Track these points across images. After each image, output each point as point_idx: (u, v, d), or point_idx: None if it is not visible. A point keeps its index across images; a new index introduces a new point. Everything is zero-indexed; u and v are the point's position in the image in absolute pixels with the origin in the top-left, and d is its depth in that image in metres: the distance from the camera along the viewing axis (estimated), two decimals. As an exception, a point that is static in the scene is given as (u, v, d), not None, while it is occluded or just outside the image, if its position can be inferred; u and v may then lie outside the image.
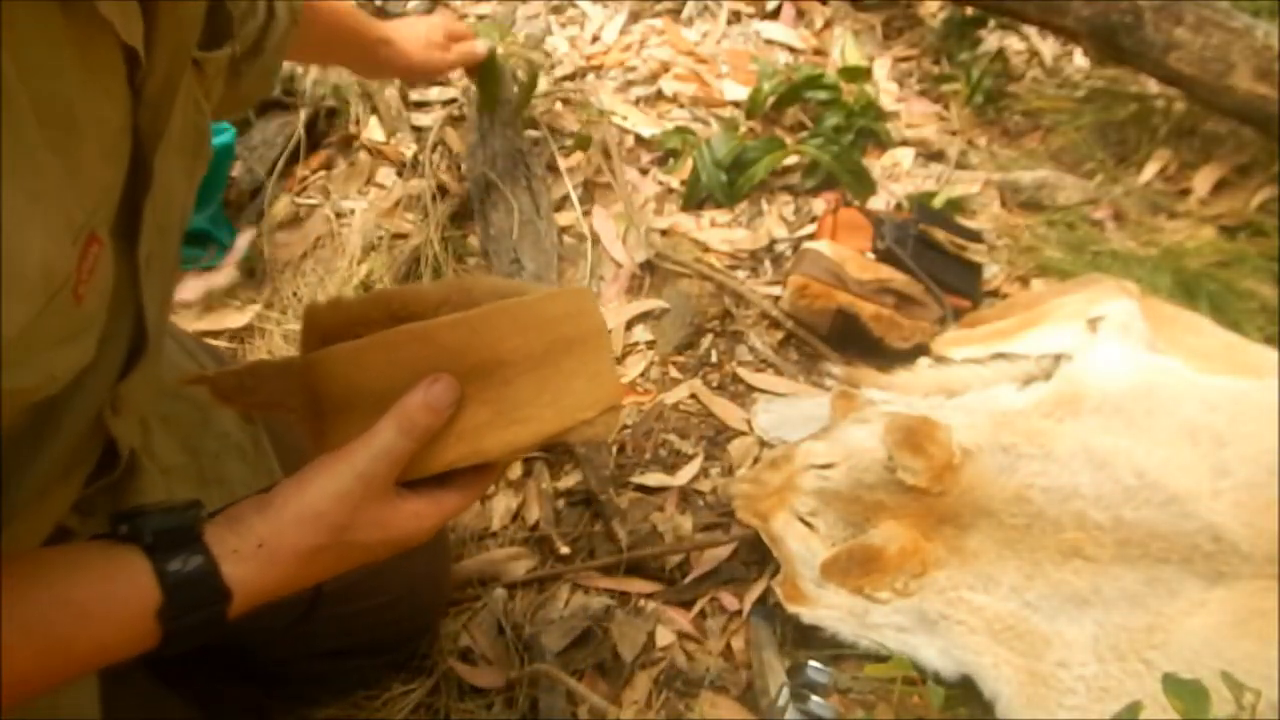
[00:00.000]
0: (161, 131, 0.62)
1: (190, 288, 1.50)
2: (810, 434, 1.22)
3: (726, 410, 1.36)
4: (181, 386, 0.72)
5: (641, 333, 1.45)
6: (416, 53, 1.32)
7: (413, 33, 1.33)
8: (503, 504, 1.29)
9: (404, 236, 1.54)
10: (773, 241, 1.55)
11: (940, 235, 1.44)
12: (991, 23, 1.83)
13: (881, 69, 1.82)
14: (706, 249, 1.54)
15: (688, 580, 1.22)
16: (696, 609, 1.20)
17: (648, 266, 1.51)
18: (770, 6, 1.91)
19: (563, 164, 1.62)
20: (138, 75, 0.59)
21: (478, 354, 0.63)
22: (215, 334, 1.47)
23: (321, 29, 1.13)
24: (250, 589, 0.61)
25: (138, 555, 0.58)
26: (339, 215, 1.61)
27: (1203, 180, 1.61)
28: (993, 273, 1.50)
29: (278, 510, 0.62)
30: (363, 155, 1.68)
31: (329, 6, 1.16)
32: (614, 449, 1.32)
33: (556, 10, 1.91)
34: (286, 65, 1.72)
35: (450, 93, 1.73)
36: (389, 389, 0.62)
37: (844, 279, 1.37)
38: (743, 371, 1.40)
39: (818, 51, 1.85)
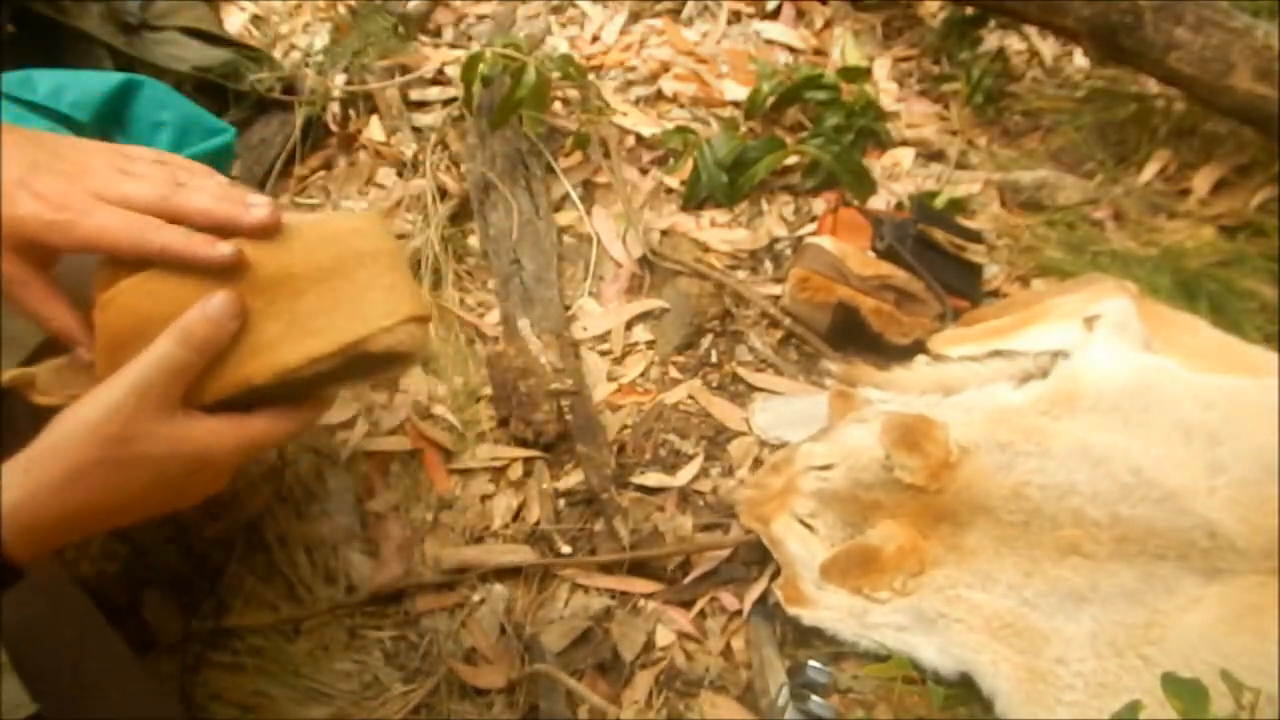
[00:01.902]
0: None
1: None
2: (810, 435, 1.22)
3: (726, 410, 1.36)
4: (4, 386, 0.68)
5: (641, 333, 1.45)
6: None
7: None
8: (503, 503, 1.29)
9: (404, 237, 1.54)
10: (773, 241, 1.55)
11: (940, 235, 1.44)
12: (991, 23, 1.83)
13: (881, 69, 1.82)
14: (706, 249, 1.54)
15: (688, 580, 1.22)
16: (696, 609, 1.20)
17: (647, 266, 1.51)
18: (770, 6, 1.91)
19: (562, 164, 1.62)
20: None
21: (264, 269, 0.64)
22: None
23: None
24: (27, 515, 0.58)
25: None
26: (339, 215, 1.61)
27: (1203, 180, 1.61)
28: (993, 273, 1.50)
29: (49, 431, 0.61)
30: (363, 155, 1.68)
31: None
32: (614, 449, 1.32)
33: (556, 10, 1.91)
34: (288, 64, 1.73)
35: (450, 92, 1.73)
36: (177, 314, 0.62)
37: (845, 273, 1.37)
38: (742, 371, 1.40)
39: (818, 51, 1.85)
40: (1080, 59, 1.85)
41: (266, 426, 0.66)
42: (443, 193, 1.59)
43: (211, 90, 1.61)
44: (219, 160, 1.51)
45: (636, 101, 1.74)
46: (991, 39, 1.85)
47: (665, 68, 1.79)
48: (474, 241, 1.56)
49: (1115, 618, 1.00)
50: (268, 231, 0.66)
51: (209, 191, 0.67)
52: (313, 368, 0.65)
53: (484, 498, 1.30)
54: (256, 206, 0.66)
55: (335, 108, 1.71)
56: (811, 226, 1.54)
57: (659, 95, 1.75)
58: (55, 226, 0.65)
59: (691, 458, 1.32)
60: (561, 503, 1.29)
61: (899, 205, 1.58)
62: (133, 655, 0.91)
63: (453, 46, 1.85)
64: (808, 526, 1.13)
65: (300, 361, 0.64)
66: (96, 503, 0.61)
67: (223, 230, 0.65)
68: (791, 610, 1.12)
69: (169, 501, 0.66)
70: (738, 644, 1.17)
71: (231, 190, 0.68)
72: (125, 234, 0.65)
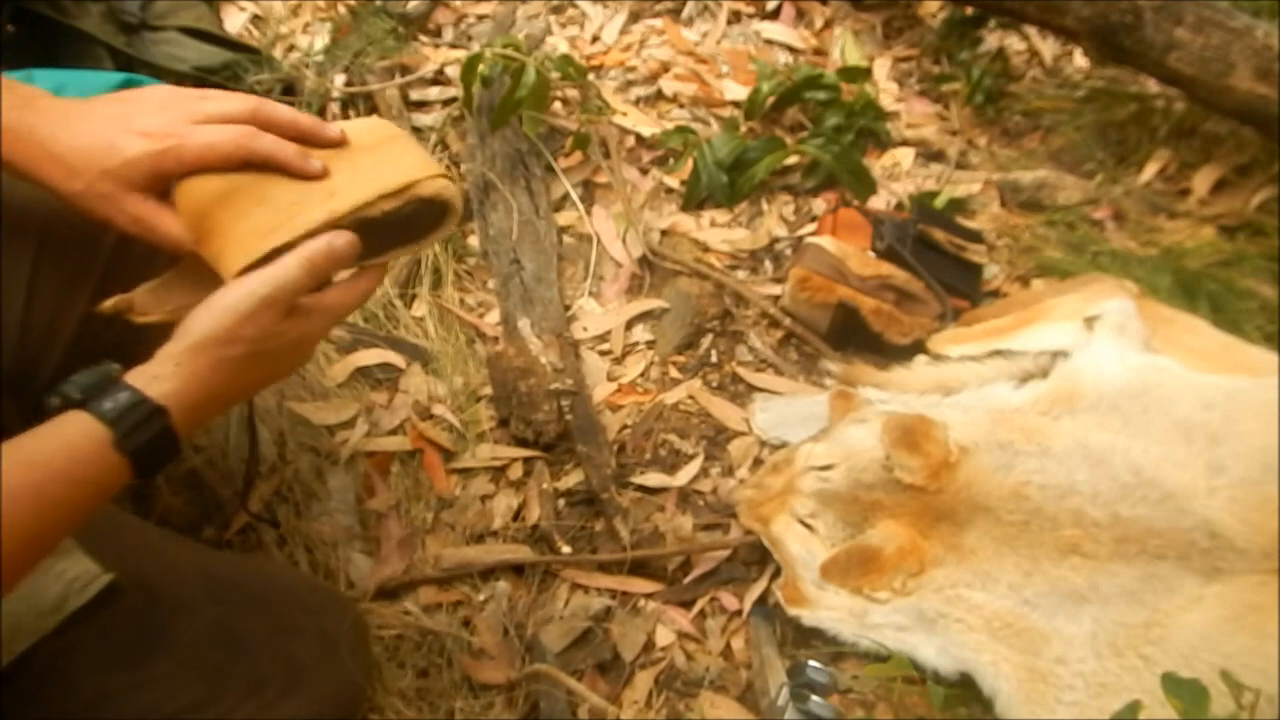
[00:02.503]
0: None
1: None
2: (810, 435, 1.22)
3: (726, 410, 1.36)
4: (107, 311, 0.77)
5: (641, 333, 1.45)
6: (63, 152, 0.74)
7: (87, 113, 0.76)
8: (503, 503, 1.29)
9: (404, 237, 1.54)
10: (773, 241, 1.55)
11: (939, 235, 1.44)
12: (991, 23, 1.83)
13: (881, 69, 1.82)
14: (706, 249, 1.54)
15: (688, 580, 1.22)
16: (696, 609, 1.20)
17: (648, 266, 1.51)
18: (770, 6, 1.91)
19: (562, 164, 1.62)
20: None
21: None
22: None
23: None
24: (183, 399, 0.69)
25: (76, 411, 0.67)
26: (339, 215, 1.61)
27: (1203, 180, 1.61)
28: (993, 273, 1.50)
29: (186, 333, 0.71)
30: (363, 155, 1.68)
31: None
32: (614, 449, 1.32)
33: (556, 10, 1.91)
34: (288, 64, 1.73)
35: (450, 92, 1.73)
36: (249, 179, 0.75)
37: (845, 274, 1.37)
38: (742, 371, 1.40)
39: (818, 51, 1.85)
40: (1080, 59, 1.85)
41: (340, 296, 0.77)
42: (443, 193, 1.59)
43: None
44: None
45: (636, 101, 1.74)
46: (991, 39, 1.85)
47: (665, 68, 1.79)
48: (474, 241, 1.56)
49: (1115, 618, 1.00)
50: (340, 145, 0.79)
51: (286, 107, 0.79)
52: (379, 206, 0.76)
53: (484, 497, 1.30)
54: (330, 127, 0.79)
55: (335, 108, 1.71)
56: (811, 226, 1.54)
57: (659, 95, 1.75)
58: (167, 154, 0.74)
59: (691, 458, 1.32)
60: (561, 503, 1.29)
61: (899, 205, 1.58)
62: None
63: (453, 46, 1.84)
64: (808, 527, 1.13)
65: (371, 197, 0.76)
66: (230, 385, 0.73)
67: (305, 138, 0.77)
68: (792, 610, 1.12)
69: (276, 376, 0.79)
70: (738, 644, 1.17)
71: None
72: (231, 144, 0.74)
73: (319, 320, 0.76)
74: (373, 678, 1.12)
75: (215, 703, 0.82)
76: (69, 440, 0.66)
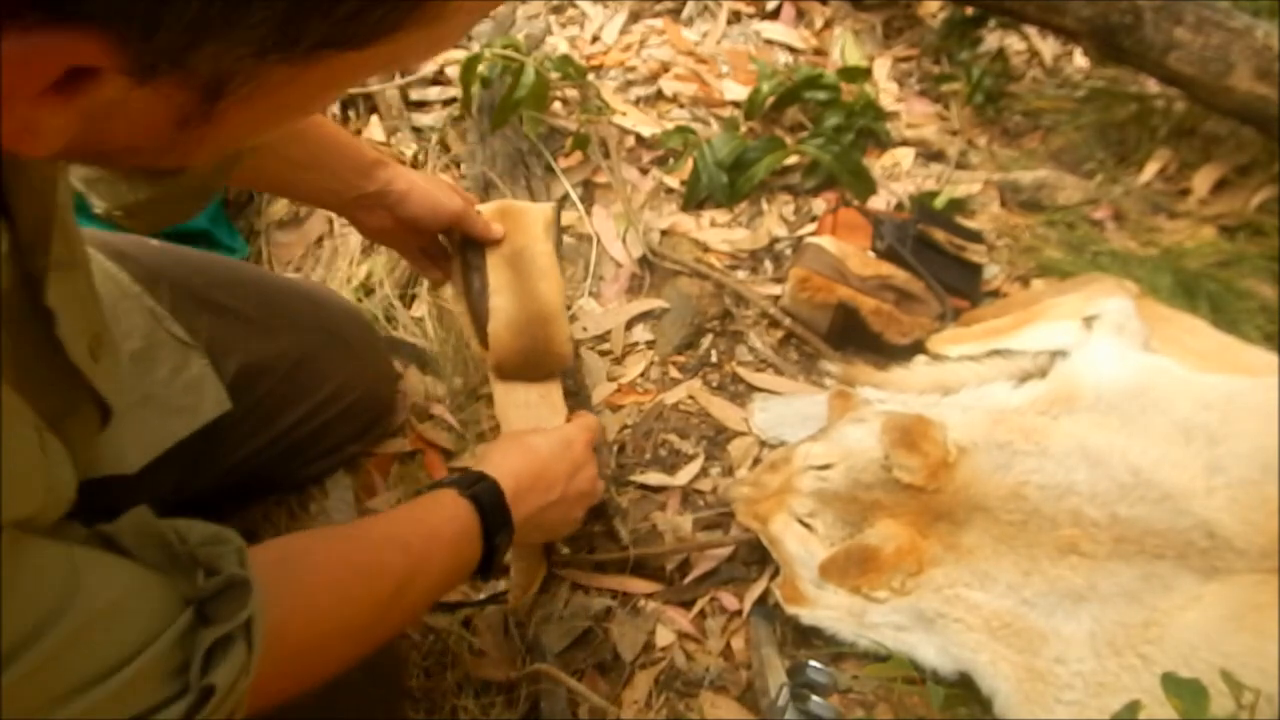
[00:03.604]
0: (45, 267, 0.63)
1: None
2: (809, 435, 1.22)
3: (726, 410, 1.36)
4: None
5: (641, 333, 1.45)
6: (433, 188, 1.17)
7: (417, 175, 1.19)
8: (503, 503, 1.29)
9: (404, 237, 1.54)
10: (773, 241, 1.55)
11: (940, 235, 1.44)
12: (991, 23, 1.83)
13: (881, 69, 1.82)
14: (706, 249, 1.54)
15: (688, 580, 1.22)
16: (696, 609, 1.20)
17: (648, 266, 1.51)
18: (770, 6, 1.91)
19: (562, 164, 1.62)
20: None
21: None
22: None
23: (307, 137, 1.08)
24: (499, 468, 0.99)
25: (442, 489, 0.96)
26: (340, 216, 1.61)
27: (1203, 180, 1.61)
28: (993, 273, 1.50)
29: (493, 444, 1.08)
30: (363, 155, 1.68)
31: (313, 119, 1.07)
32: (614, 449, 1.33)
33: (556, 10, 1.92)
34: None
35: (450, 92, 1.73)
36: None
37: (845, 274, 1.37)
38: (742, 371, 1.40)
39: (818, 51, 1.85)
40: (1080, 59, 1.85)
41: (584, 416, 1.17)
42: (443, 193, 1.59)
43: (212, 90, 1.61)
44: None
45: (636, 101, 1.74)
46: (991, 39, 1.85)
47: (665, 68, 1.79)
48: (474, 242, 1.56)
49: (1114, 617, 1.00)
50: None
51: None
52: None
53: (483, 498, 1.30)
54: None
55: (335, 108, 1.71)
56: (811, 226, 1.54)
57: (659, 95, 1.75)
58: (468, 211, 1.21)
59: (691, 458, 1.32)
60: (561, 503, 1.29)
61: (899, 205, 1.58)
62: None
63: (452, 46, 1.84)
64: (807, 526, 1.13)
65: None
66: (529, 457, 1.03)
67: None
68: (790, 609, 1.12)
69: (571, 480, 1.06)
70: (738, 644, 1.17)
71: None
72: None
73: (573, 428, 1.10)
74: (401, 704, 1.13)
75: None
76: (431, 497, 0.94)
